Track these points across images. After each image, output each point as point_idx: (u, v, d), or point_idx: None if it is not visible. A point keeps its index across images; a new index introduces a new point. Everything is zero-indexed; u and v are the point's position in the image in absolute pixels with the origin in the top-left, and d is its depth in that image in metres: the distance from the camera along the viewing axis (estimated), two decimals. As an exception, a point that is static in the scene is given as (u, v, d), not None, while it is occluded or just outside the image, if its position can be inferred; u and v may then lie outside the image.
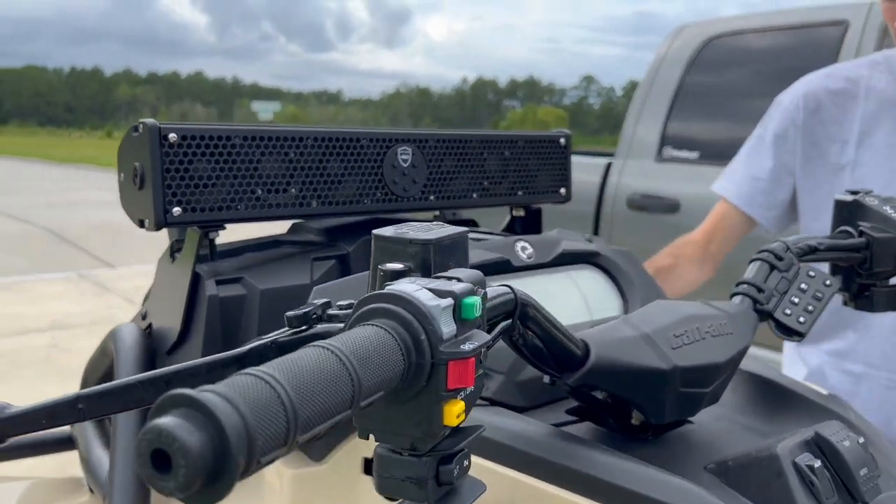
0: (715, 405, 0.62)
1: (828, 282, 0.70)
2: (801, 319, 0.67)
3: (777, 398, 0.68)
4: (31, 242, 8.42)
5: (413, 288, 0.38)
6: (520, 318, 0.49)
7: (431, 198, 0.92)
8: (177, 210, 0.71)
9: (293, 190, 0.80)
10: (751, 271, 0.70)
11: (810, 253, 0.71)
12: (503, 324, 0.48)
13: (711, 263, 1.37)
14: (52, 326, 4.89)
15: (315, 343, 0.32)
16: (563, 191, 1.05)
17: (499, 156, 0.98)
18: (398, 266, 0.44)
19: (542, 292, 0.73)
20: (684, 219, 2.89)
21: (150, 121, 0.70)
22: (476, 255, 0.70)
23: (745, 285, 0.68)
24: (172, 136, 0.71)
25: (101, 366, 0.91)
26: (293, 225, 0.94)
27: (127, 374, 0.82)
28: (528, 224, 1.08)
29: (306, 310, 0.45)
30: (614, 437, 0.61)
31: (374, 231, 0.46)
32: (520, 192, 1.00)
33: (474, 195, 0.96)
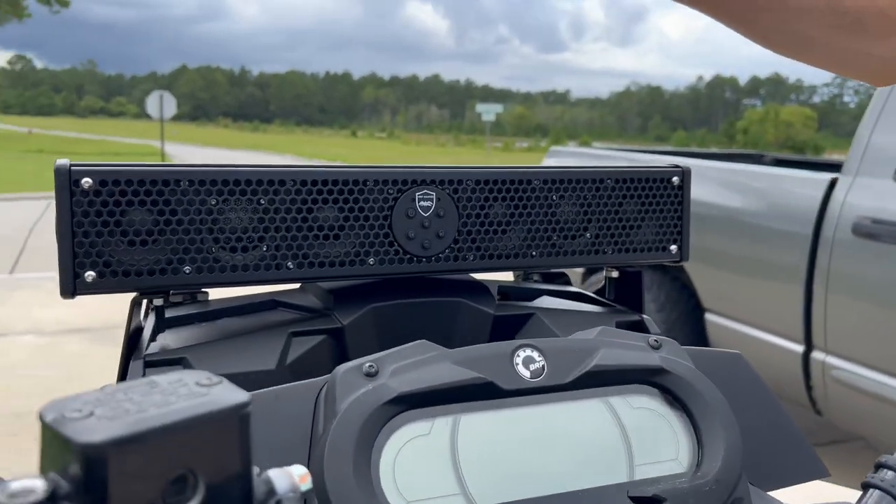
0: None
1: None
2: None
3: None
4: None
5: None
6: None
7: (470, 257, 0.69)
8: (90, 275, 0.56)
9: (264, 248, 0.62)
10: None
11: None
12: None
13: None
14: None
15: None
16: (674, 248, 0.76)
17: (575, 200, 0.72)
18: (33, 491, 0.23)
19: (543, 434, 0.48)
20: (929, 253, 2.31)
21: (61, 162, 0.56)
22: (442, 372, 0.47)
23: (889, 472, 0.39)
24: (86, 182, 0.56)
25: None
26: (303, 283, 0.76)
27: None
28: (624, 290, 0.81)
29: None
30: None
31: (41, 409, 0.26)
32: (608, 250, 0.74)
33: (534, 253, 0.71)
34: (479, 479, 0.46)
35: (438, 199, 0.67)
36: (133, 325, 0.65)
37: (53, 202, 0.57)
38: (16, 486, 0.24)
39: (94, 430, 0.24)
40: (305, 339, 0.65)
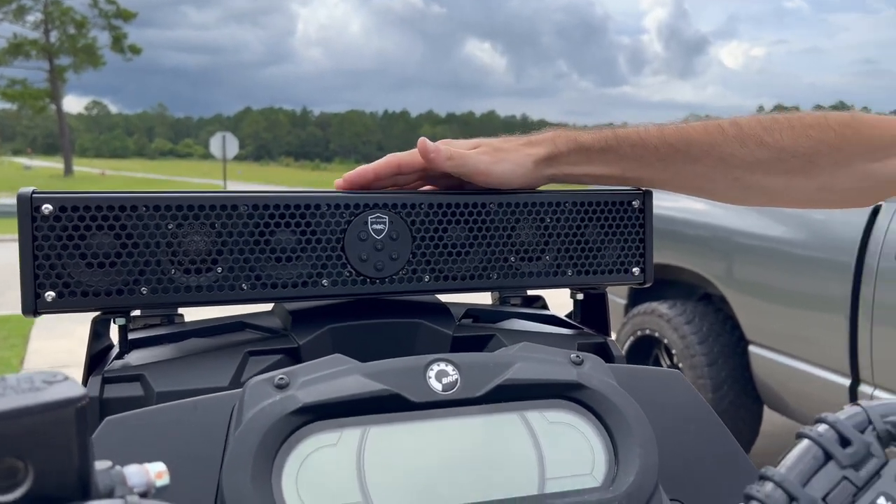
0: None
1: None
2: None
3: None
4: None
5: None
6: None
7: (426, 278, 0.71)
8: (50, 295, 0.60)
9: (218, 269, 0.65)
10: (788, 459, 0.39)
11: (916, 436, 0.38)
12: None
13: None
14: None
15: None
16: (636, 270, 0.76)
17: (532, 223, 0.73)
18: None
19: (453, 447, 0.49)
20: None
21: (24, 189, 0.61)
22: (350, 384, 0.49)
23: (770, 485, 0.38)
24: (46, 208, 0.60)
25: None
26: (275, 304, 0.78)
27: None
28: (589, 311, 0.81)
29: None
30: None
31: None
32: (569, 272, 0.75)
33: (492, 275, 0.72)
34: (383, 490, 0.47)
35: (391, 223, 0.69)
36: (98, 344, 0.68)
37: None
38: None
39: None
40: (262, 359, 0.67)
